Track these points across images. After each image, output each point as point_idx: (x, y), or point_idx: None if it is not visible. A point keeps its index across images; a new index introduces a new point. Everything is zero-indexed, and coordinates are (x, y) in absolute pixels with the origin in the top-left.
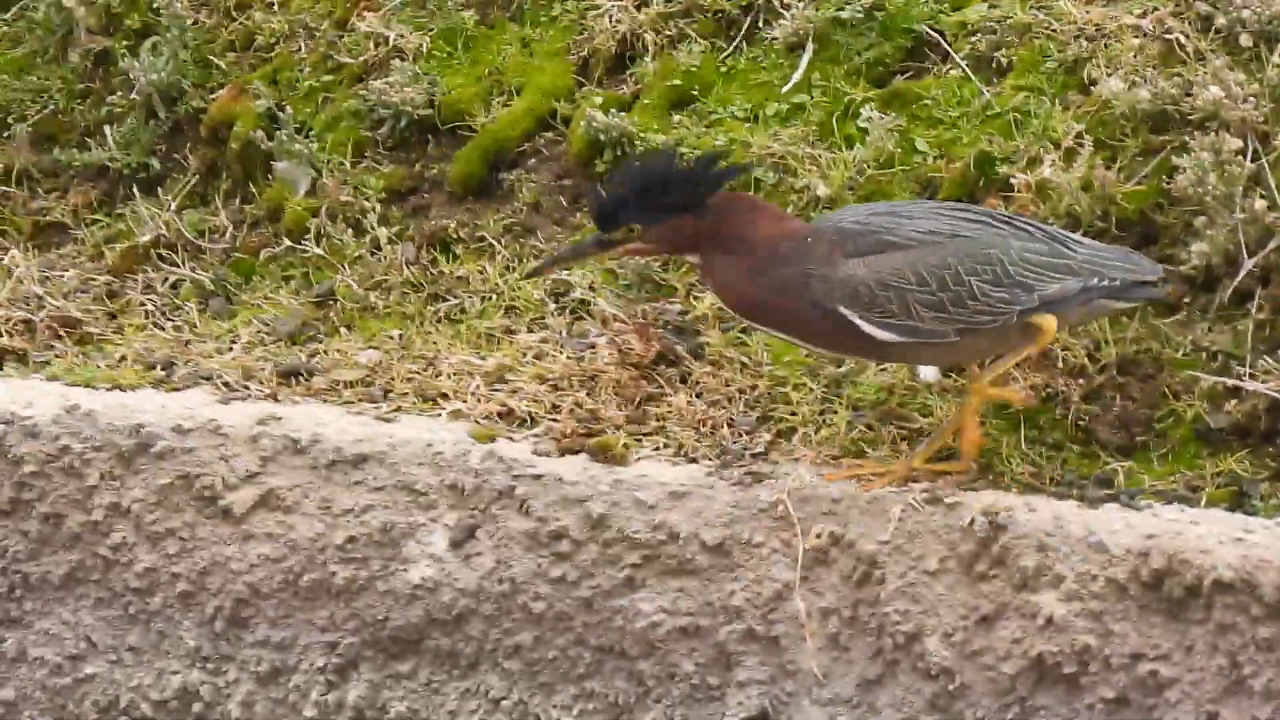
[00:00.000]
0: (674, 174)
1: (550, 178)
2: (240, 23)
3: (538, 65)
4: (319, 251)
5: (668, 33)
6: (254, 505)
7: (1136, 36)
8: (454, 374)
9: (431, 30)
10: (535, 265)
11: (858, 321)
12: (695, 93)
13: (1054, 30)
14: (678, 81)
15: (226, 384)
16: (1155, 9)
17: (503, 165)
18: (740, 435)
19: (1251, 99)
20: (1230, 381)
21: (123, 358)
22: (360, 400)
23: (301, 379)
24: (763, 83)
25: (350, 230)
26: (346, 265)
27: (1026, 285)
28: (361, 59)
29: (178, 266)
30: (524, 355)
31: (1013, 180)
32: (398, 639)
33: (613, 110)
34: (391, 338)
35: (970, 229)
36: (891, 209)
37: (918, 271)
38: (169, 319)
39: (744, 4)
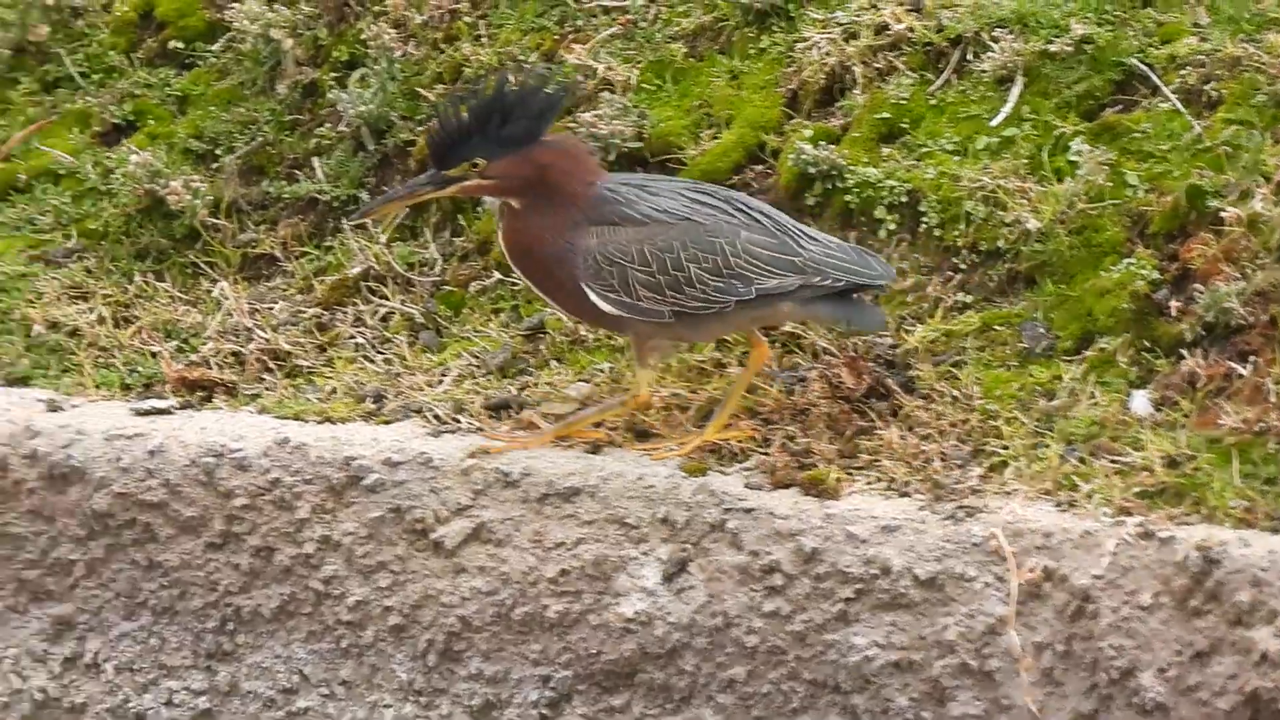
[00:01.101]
0: (520, 99)
1: None
2: (448, 55)
3: (746, 98)
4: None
5: (876, 65)
6: (466, 538)
7: None
8: (664, 408)
9: (640, 63)
10: (364, 207)
11: (585, 289)
12: (904, 125)
13: (1264, 63)
14: (886, 114)
15: (437, 417)
16: None
17: None
18: (952, 469)
19: None
20: None
21: (333, 390)
22: None
23: (511, 412)
24: (972, 116)
25: None
26: None
27: (745, 277)
28: None
29: (387, 299)
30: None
31: (1223, 214)
32: (611, 673)
33: (822, 142)
34: (601, 370)
35: (703, 214)
36: (643, 181)
37: (641, 251)
38: (379, 351)
39: (952, 37)
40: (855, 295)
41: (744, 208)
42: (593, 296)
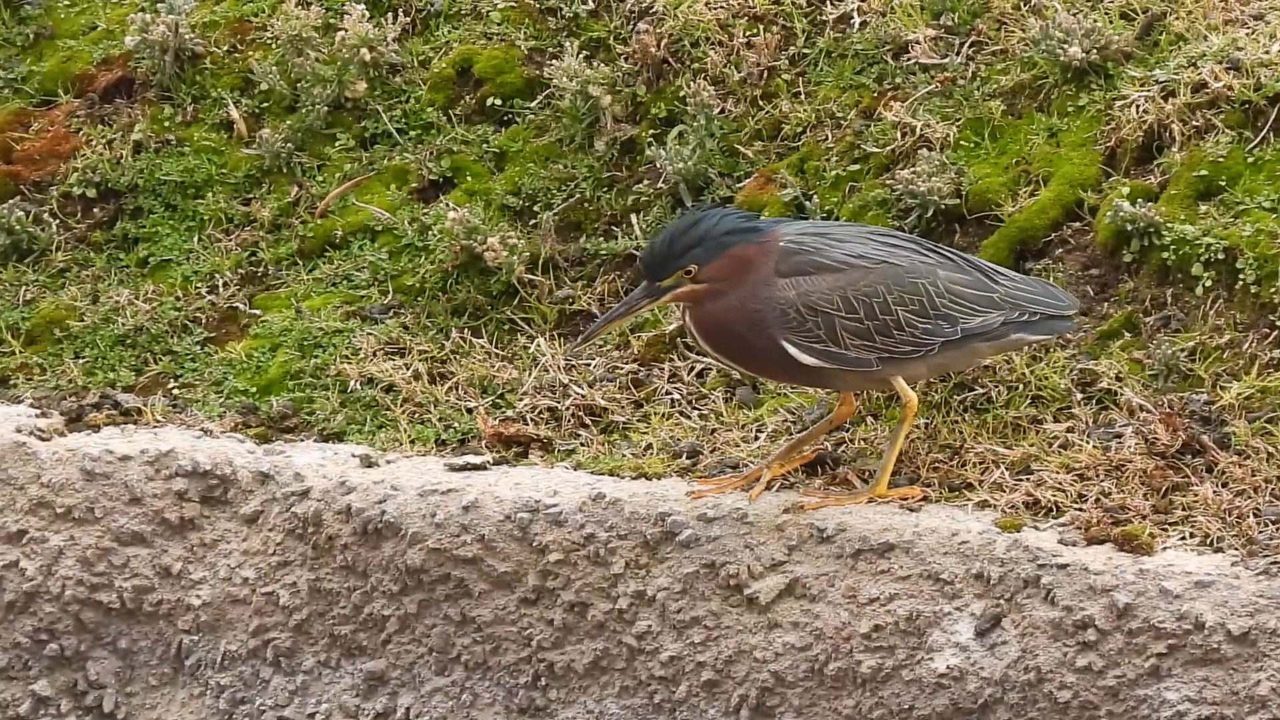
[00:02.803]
0: (738, 221)
1: (1077, 267)
2: (767, 111)
3: (1064, 155)
4: None
5: (1194, 123)
6: (779, 594)
7: None
8: (979, 463)
9: (959, 120)
10: (586, 333)
11: (784, 344)
12: (1222, 183)
13: None
14: (1204, 171)
15: None
16: None
17: (1030, 255)
18: (1266, 525)
19: None
20: None
21: (648, 446)
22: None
23: (827, 467)
24: None
25: None
26: None
27: (950, 317)
28: (888, 148)
29: (704, 356)
30: (1050, 445)
31: None
32: None
33: (1139, 200)
34: (918, 427)
35: (898, 256)
36: (819, 228)
37: (846, 297)
38: (694, 407)
39: (1271, 95)
40: (1040, 318)
41: (933, 248)
42: (792, 350)
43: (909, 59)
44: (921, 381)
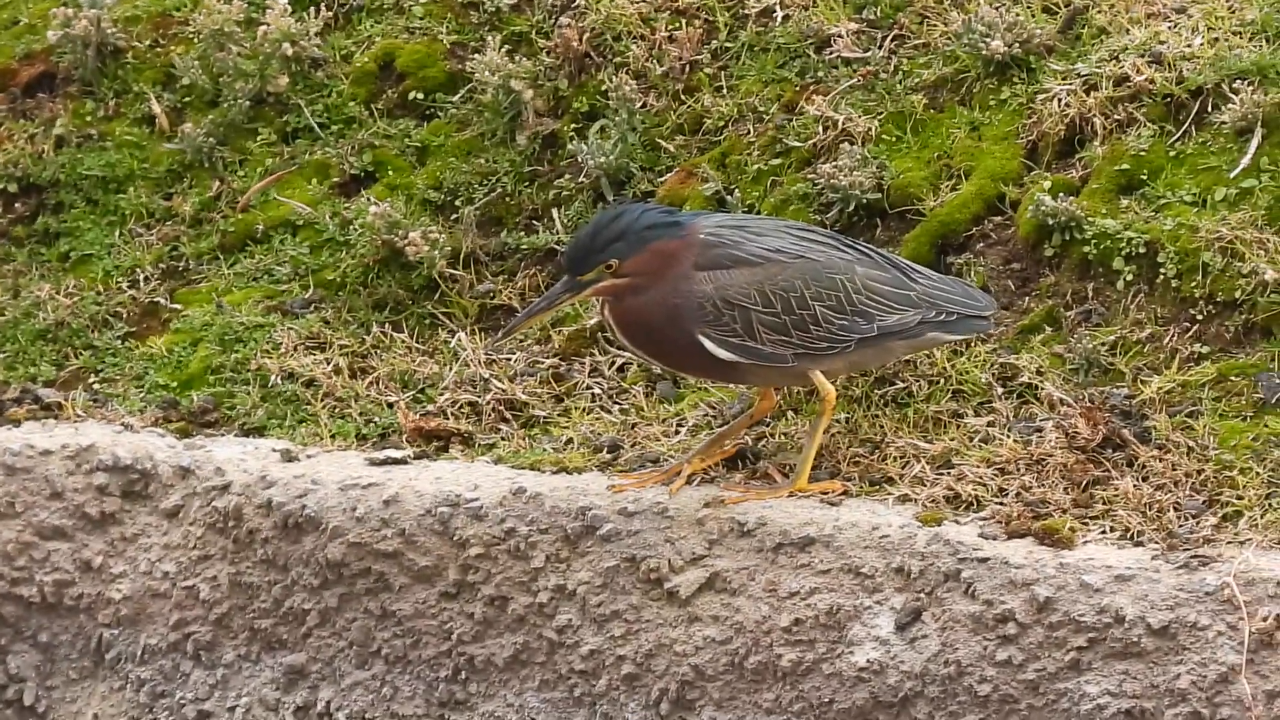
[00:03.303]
0: (660, 216)
1: (998, 261)
2: (689, 105)
3: (986, 149)
4: None
5: (1116, 117)
6: (700, 588)
7: None
8: (900, 457)
9: (881, 114)
10: (507, 328)
11: (701, 339)
12: (1143, 177)
13: None
14: (1126, 165)
15: None
16: None
17: (951, 249)
18: (1186, 519)
19: None
20: None
21: (569, 441)
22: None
23: (748, 462)
24: (1211, 167)
25: None
26: None
27: (867, 314)
28: (810, 142)
29: (624, 350)
30: (971, 439)
31: None
32: None
33: (1061, 194)
34: (838, 421)
35: (815, 251)
36: (737, 221)
37: (763, 291)
38: (615, 402)
39: (1192, 89)
40: (957, 318)
41: (851, 244)
42: (708, 345)
43: (831, 53)
44: (840, 377)
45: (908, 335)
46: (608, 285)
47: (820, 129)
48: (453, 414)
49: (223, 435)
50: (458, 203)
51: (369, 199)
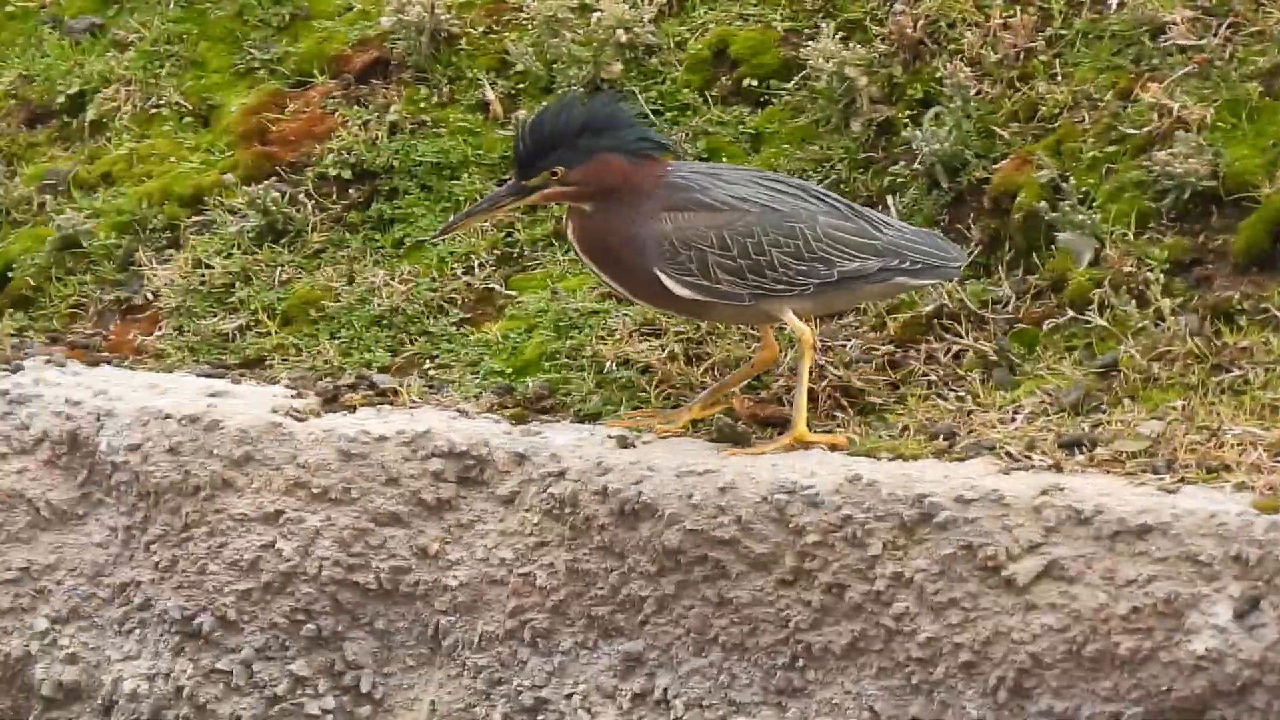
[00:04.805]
0: (603, 113)
1: None
2: (1023, 93)
3: None
4: (1102, 322)
5: None
6: (1037, 576)
7: None
8: (1238, 445)
9: (1215, 101)
10: (448, 223)
11: (658, 273)
12: None
13: None
14: None
15: (1009, 454)
16: None
17: None
18: None
19: None
20: None
21: (905, 428)
22: (1142, 471)
23: (1084, 449)
24: None
25: (1134, 301)
26: (1130, 336)
27: (827, 260)
28: (1145, 130)
29: (960, 337)
30: None
31: None
32: (1181, 709)
33: None
34: (1174, 409)
35: (781, 201)
36: (713, 170)
37: (720, 235)
38: (951, 389)
39: None
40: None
41: (820, 195)
42: (666, 281)
43: (1166, 40)
44: (812, 318)
45: (873, 280)
46: (554, 193)
47: (1155, 116)
48: (787, 400)
49: (558, 421)
50: None
51: None
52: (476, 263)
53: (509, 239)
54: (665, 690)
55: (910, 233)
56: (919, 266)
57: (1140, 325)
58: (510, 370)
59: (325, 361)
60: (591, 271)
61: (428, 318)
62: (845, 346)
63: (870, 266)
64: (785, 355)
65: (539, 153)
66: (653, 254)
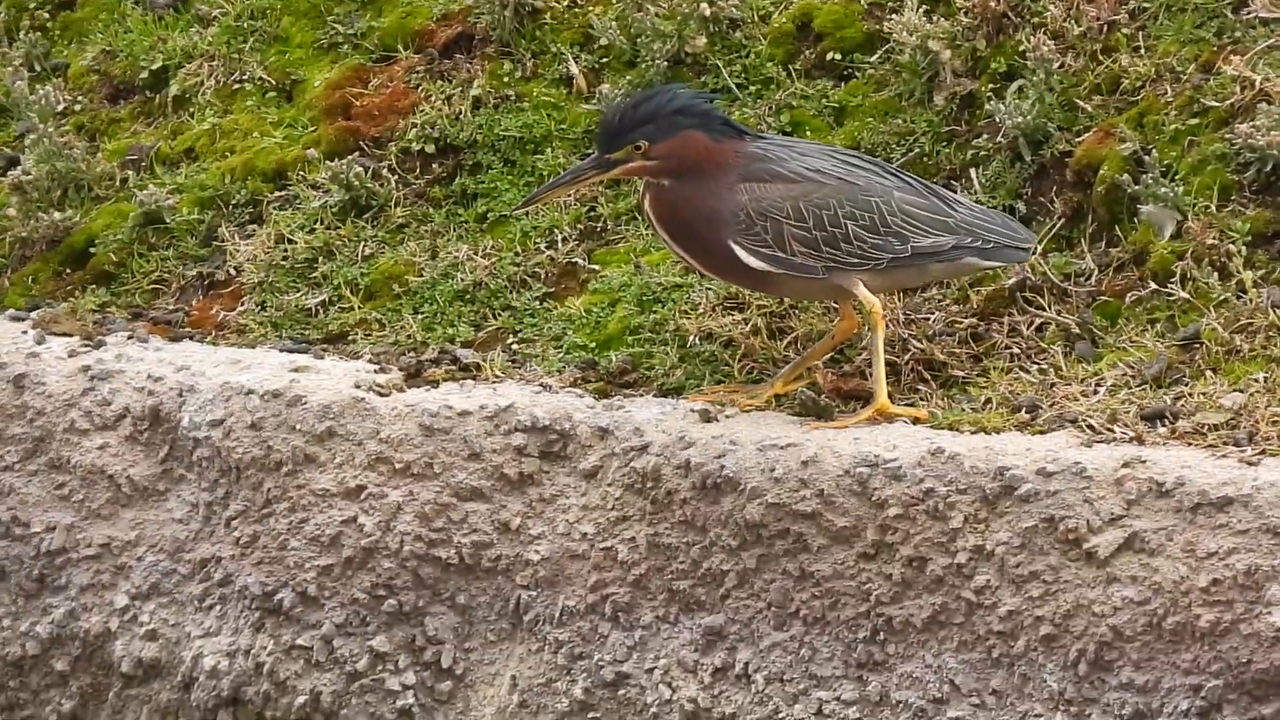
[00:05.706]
0: (694, 102)
1: None
2: (1106, 66)
3: None
4: (1184, 295)
5: None
6: (1118, 548)
7: None
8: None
9: None
10: (530, 195)
11: (732, 245)
12: None
13: None
14: None
15: (1091, 427)
16: None
17: None
18: None
19: None
20: None
21: (987, 401)
22: (1224, 443)
23: (1166, 421)
24: None
25: (1216, 273)
26: (1212, 308)
27: (902, 235)
28: (1227, 102)
29: (1043, 309)
30: None
31: None
32: (1261, 681)
33: None
34: (1256, 381)
35: (857, 175)
36: (789, 143)
37: (796, 206)
38: (1034, 362)
39: None
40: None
41: (895, 172)
42: (739, 252)
43: (1249, 13)
44: (883, 294)
45: (944, 258)
46: (637, 166)
47: (1238, 89)
48: (869, 374)
49: (640, 396)
50: None
51: None
52: (560, 237)
53: (592, 213)
54: (746, 664)
55: (982, 212)
56: (990, 246)
57: (1222, 298)
58: (593, 345)
59: (408, 336)
60: (666, 245)
61: (511, 292)
62: (928, 320)
63: (944, 243)
64: (865, 328)
65: (626, 127)
66: (728, 226)
